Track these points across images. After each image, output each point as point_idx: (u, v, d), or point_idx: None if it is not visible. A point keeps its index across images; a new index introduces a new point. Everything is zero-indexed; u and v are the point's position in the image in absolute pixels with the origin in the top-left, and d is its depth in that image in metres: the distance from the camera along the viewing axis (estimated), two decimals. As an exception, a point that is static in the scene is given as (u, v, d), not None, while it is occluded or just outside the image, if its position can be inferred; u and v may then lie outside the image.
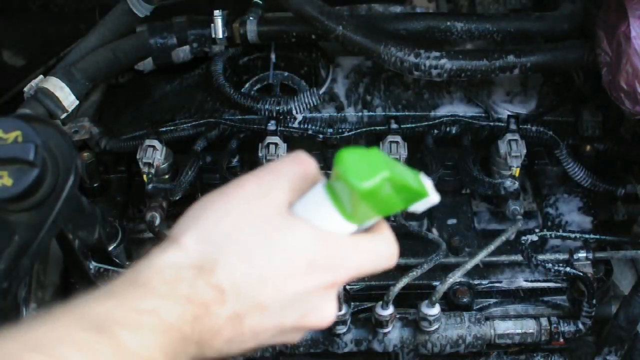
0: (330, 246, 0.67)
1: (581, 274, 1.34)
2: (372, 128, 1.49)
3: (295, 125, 1.48)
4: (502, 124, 1.47)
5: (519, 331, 1.38)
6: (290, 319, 0.68)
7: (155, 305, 0.61)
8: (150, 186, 1.39)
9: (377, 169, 0.65)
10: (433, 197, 0.69)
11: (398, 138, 1.41)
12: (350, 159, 0.65)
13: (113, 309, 0.60)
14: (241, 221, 0.66)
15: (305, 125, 1.48)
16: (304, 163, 0.71)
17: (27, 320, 0.62)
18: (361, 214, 0.68)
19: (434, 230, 1.47)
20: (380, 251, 0.72)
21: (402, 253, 1.42)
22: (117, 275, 0.63)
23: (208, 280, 0.64)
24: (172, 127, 1.49)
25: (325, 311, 0.70)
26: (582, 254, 1.38)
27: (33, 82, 1.41)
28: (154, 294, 0.62)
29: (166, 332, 0.61)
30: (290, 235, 0.66)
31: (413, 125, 1.49)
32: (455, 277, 1.31)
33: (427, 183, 0.70)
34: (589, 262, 1.38)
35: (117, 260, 1.34)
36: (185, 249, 0.66)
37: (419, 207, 0.70)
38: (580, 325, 1.38)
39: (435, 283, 1.34)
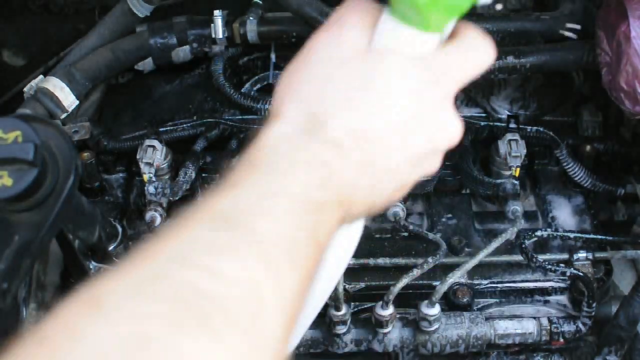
0: (426, 62, 0.64)
1: (581, 274, 1.34)
2: (372, 128, 1.49)
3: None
4: (502, 124, 1.47)
5: (519, 331, 1.38)
6: (419, 143, 0.65)
7: (281, 183, 0.58)
8: (150, 186, 1.39)
9: None
10: None
11: (398, 138, 1.41)
12: None
13: (240, 200, 0.57)
14: (331, 72, 0.64)
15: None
16: (362, 2, 0.68)
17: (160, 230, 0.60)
18: (435, 19, 0.65)
19: (434, 231, 1.47)
20: (476, 46, 0.70)
21: (402, 253, 1.45)
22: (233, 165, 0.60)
23: (323, 139, 0.61)
24: (172, 127, 1.49)
25: (449, 123, 0.68)
26: (582, 254, 1.38)
27: (33, 82, 1.41)
28: (274, 172, 0.59)
29: (300, 207, 0.58)
30: (383, 68, 0.63)
31: (413, 125, 1.48)
32: (455, 277, 1.31)
33: None
34: (589, 262, 1.38)
35: (117, 260, 1.34)
36: (289, 119, 0.63)
37: None
38: (580, 325, 1.38)
39: (435, 283, 1.34)
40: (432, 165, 0.70)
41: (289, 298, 0.54)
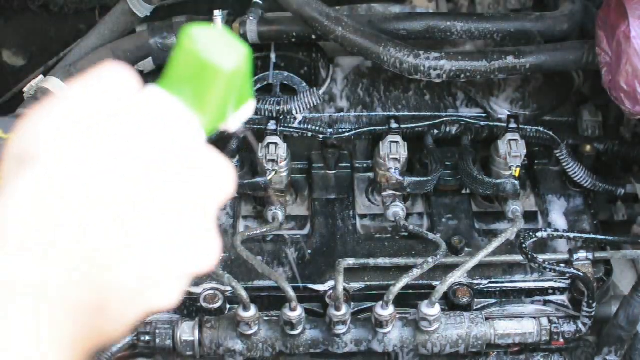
0: (199, 150, 0.52)
1: (581, 274, 1.34)
2: (372, 128, 1.49)
3: (295, 125, 1.48)
4: (502, 124, 1.47)
5: (519, 331, 1.37)
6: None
7: (19, 265, 0.44)
8: (150, 186, 1.38)
9: (233, 46, 0.54)
10: (252, 101, 0.59)
11: (398, 138, 1.41)
12: (201, 34, 0.53)
13: None
14: (103, 116, 0.50)
15: (305, 125, 1.48)
16: (124, 70, 0.56)
17: None
18: (212, 110, 0.54)
19: (434, 231, 1.47)
20: (224, 169, 0.53)
21: (402, 253, 1.45)
22: None
23: (71, 213, 0.46)
24: (172, 127, 1.49)
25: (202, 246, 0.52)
26: (582, 254, 1.38)
27: (33, 82, 1.41)
28: (11, 249, 0.45)
29: (41, 310, 0.44)
30: (142, 132, 0.50)
31: (413, 125, 1.49)
32: (455, 277, 1.31)
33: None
34: (589, 262, 1.38)
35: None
36: (46, 167, 0.48)
37: (240, 114, 0.58)
38: (580, 325, 1.38)
39: (435, 283, 1.34)
40: (171, 292, 0.52)
41: None
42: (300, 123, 1.48)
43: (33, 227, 0.45)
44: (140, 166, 0.48)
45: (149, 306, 0.51)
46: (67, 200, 0.46)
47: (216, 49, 0.53)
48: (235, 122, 0.58)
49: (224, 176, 0.52)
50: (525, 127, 1.47)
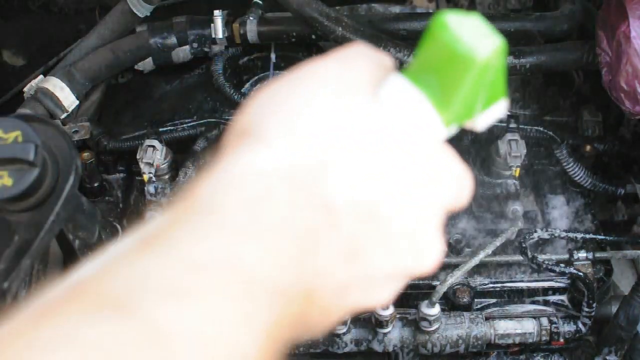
0: (441, 151, 0.49)
1: (581, 274, 1.34)
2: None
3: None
4: (502, 124, 1.47)
5: (519, 331, 1.37)
6: (401, 255, 0.48)
7: (230, 246, 0.39)
8: (150, 186, 1.39)
9: (489, 36, 0.48)
10: (504, 100, 0.53)
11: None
12: (455, 21, 0.48)
13: (149, 267, 0.37)
14: (340, 116, 0.46)
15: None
16: (377, 51, 0.52)
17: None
18: (458, 104, 0.50)
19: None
20: (462, 174, 0.50)
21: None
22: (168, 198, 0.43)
23: (316, 193, 0.43)
24: (172, 127, 1.49)
25: (434, 245, 0.50)
26: (582, 254, 1.38)
27: (33, 82, 1.41)
28: (224, 226, 0.39)
29: (250, 294, 0.38)
30: (389, 127, 0.47)
31: (413, 125, 1.49)
32: (455, 277, 1.31)
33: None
34: (589, 262, 1.38)
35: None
36: (279, 149, 0.43)
37: (490, 113, 0.53)
38: (580, 325, 1.38)
39: (435, 283, 1.34)
40: (382, 294, 0.50)
41: None
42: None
43: (250, 205, 0.41)
44: (381, 162, 0.46)
45: (359, 303, 0.48)
46: (299, 183, 0.43)
47: (470, 37, 0.48)
48: (483, 121, 0.53)
49: (461, 182, 0.50)
50: (525, 127, 1.47)
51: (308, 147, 0.44)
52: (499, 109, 0.53)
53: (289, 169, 0.43)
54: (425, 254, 0.49)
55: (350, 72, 0.49)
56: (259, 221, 0.40)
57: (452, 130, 0.52)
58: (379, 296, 0.49)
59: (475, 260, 1.31)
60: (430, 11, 1.66)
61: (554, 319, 1.39)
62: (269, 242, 0.40)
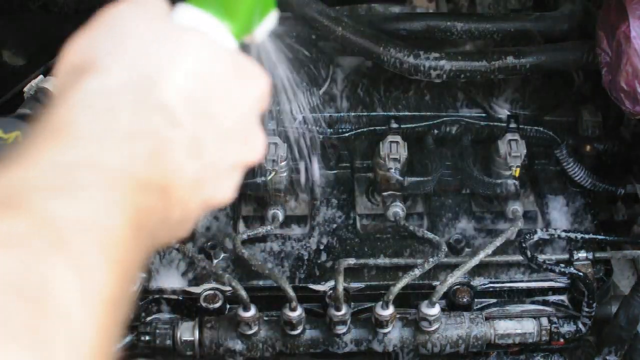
0: (239, 56, 0.58)
1: (581, 274, 1.34)
2: (372, 128, 1.49)
3: (295, 125, 1.48)
4: (502, 124, 1.47)
5: (519, 331, 1.37)
6: (237, 138, 0.57)
7: (91, 151, 0.46)
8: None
9: None
10: (275, 12, 0.63)
11: (398, 138, 1.41)
12: None
13: (31, 174, 0.44)
14: (152, 36, 0.54)
15: (305, 125, 1.48)
16: None
17: None
18: (241, 15, 0.59)
19: (434, 231, 1.47)
20: (259, 72, 0.59)
21: (402, 253, 1.45)
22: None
23: (153, 101, 0.51)
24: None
25: (256, 136, 0.59)
26: (582, 254, 1.38)
27: (33, 82, 1.40)
28: (83, 136, 0.47)
29: (120, 185, 0.46)
30: (197, 45, 0.55)
31: (413, 125, 1.49)
32: (455, 277, 1.31)
33: None
34: (589, 262, 1.38)
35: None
36: (111, 72, 0.51)
37: (265, 25, 0.62)
38: (580, 325, 1.38)
39: (435, 283, 1.34)
40: (227, 186, 0.58)
41: (102, 308, 0.42)
42: (300, 123, 1.48)
43: (101, 117, 0.49)
44: (200, 67, 0.54)
45: (211, 196, 0.56)
46: (137, 94, 0.51)
47: None
48: (260, 33, 0.62)
49: (261, 79, 0.58)
50: (525, 127, 1.47)
51: (140, 64, 0.52)
52: (271, 20, 0.62)
53: (128, 83, 0.51)
54: (254, 144, 0.58)
55: (146, 7, 0.56)
56: (111, 128, 0.48)
57: (240, 42, 0.60)
58: (226, 188, 0.58)
59: (475, 260, 1.31)
60: (431, 11, 1.66)
61: (554, 319, 1.39)
62: (122, 144, 0.48)
